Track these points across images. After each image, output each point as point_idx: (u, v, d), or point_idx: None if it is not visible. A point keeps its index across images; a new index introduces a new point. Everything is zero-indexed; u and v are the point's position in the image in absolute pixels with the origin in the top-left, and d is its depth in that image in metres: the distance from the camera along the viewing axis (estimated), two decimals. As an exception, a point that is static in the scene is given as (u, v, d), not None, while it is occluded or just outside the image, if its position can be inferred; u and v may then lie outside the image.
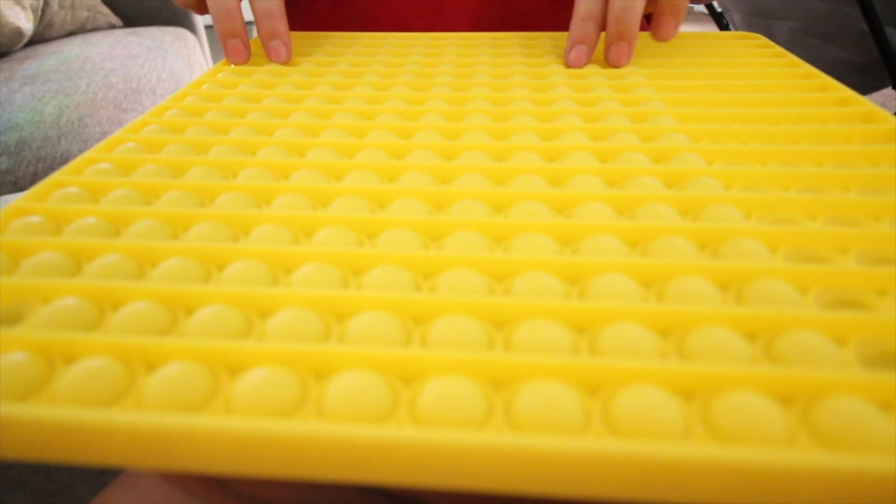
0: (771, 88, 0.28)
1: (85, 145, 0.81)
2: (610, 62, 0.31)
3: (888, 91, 1.41)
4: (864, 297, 0.15)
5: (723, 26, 1.75)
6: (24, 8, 1.05)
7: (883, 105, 1.83)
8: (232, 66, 0.33)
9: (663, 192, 0.20)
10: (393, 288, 0.16)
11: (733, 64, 0.31)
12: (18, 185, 0.75)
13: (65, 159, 0.78)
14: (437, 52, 0.34)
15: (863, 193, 0.20)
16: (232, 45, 0.32)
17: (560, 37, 0.37)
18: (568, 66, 0.32)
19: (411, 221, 0.18)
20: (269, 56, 0.33)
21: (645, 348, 0.14)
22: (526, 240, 0.17)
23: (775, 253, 0.17)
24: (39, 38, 1.12)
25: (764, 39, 0.34)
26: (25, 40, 1.07)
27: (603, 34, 0.31)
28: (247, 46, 0.33)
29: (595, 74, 0.30)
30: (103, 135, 0.83)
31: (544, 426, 0.12)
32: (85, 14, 1.18)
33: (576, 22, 0.31)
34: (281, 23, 0.32)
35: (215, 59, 1.38)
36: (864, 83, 1.46)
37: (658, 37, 0.32)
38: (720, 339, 0.14)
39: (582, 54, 0.31)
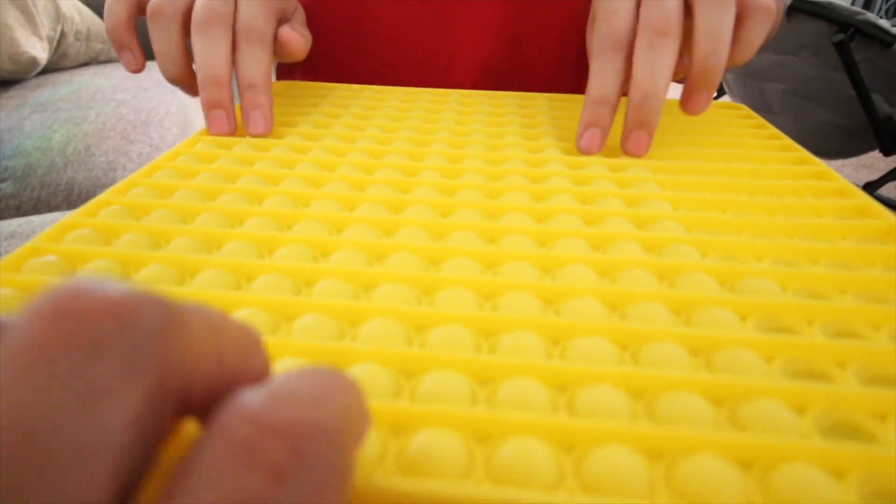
0: (750, 159, 0.29)
1: (90, 173, 0.82)
2: (627, 152, 0.29)
3: (875, 153, 1.46)
4: (828, 368, 0.17)
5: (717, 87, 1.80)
6: (40, 38, 1.09)
7: (871, 166, 1.88)
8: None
9: (643, 256, 0.21)
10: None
11: (715, 132, 0.33)
12: (21, 211, 0.76)
13: (69, 186, 0.80)
14: (438, 109, 0.36)
15: (830, 266, 0.21)
16: (215, 115, 0.31)
17: (557, 98, 0.39)
18: (580, 150, 0.30)
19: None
20: (248, 128, 0.31)
21: (619, 411, 0.15)
22: (513, 298, 0.19)
23: (745, 321, 0.18)
24: (53, 67, 1.15)
25: (747, 110, 0.36)
26: (39, 69, 1.10)
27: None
28: (231, 120, 0.31)
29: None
30: (108, 164, 0.85)
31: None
32: (99, 46, 1.22)
33: (589, 105, 0.29)
34: (264, 95, 0.31)
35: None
36: (853, 145, 1.51)
37: (688, 110, 0.30)
38: (689, 403, 0.15)
39: (595, 138, 0.29)
